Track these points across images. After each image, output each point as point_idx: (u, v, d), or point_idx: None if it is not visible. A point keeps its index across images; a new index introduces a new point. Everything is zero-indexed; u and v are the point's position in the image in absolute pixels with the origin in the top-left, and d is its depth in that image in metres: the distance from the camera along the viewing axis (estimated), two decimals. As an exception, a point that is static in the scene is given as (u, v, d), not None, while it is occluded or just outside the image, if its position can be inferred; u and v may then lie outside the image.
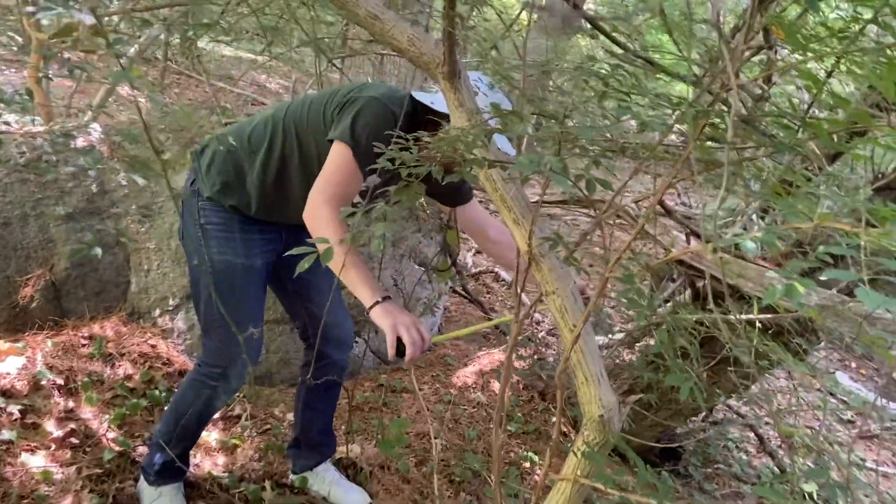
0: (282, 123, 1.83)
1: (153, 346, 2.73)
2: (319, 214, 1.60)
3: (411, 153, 1.28)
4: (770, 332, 2.19)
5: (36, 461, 2.10)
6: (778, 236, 1.11)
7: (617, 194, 1.48)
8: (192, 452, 2.32)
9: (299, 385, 2.23)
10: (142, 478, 2.07)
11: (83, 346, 2.65)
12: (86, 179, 2.91)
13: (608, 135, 1.19)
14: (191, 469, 2.24)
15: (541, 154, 0.98)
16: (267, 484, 2.23)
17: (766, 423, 3.38)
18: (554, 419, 2.96)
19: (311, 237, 2.05)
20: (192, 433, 2.04)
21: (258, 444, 2.44)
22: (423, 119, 1.72)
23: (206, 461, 2.33)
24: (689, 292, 2.67)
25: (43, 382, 2.40)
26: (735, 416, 3.18)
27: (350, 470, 2.38)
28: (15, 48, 4.14)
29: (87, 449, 2.22)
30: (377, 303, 1.56)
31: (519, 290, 1.55)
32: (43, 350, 2.55)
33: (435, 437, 2.63)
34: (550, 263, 1.45)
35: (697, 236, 2.51)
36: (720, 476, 3.01)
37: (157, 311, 2.84)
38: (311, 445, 2.26)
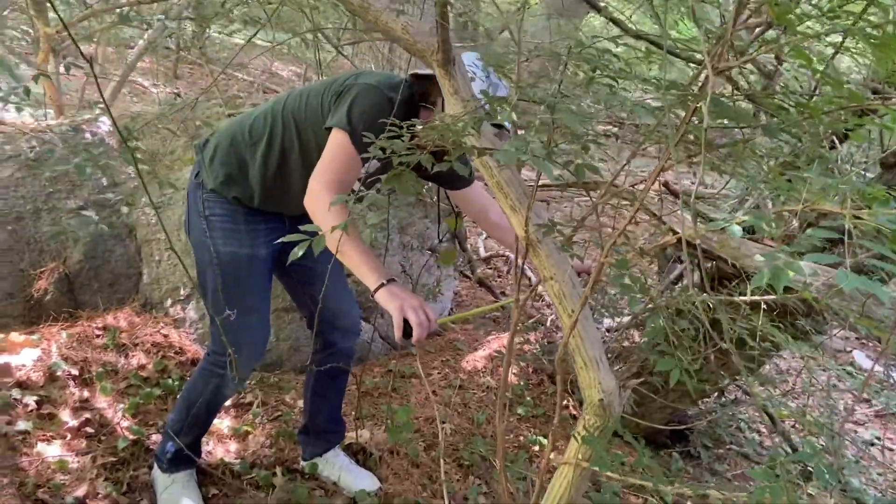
0: (280, 116, 1.84)
1: (165, 336, 2.77)
2: (319, 201, 1.61)
3: (403, 141, 1.28)
4: (775, 313, 2.18)
5: (52, 451, 2.15)
6: (770, 219, 1.10)
7: (615, 177, 1.48)
8: (204, 440, 2.36)
9: (307, 373, 2.26)
10: (155, 465, 2.11)
11: (97, 336, 2.70)
12: (96, 172, 2.94)
13: (598, 119, 1.19)
14: (203, 456, 2.27)
15: (525, 141, 0.98)
16: (278, 470, 2.27)
17: (779, 403, 3.37)
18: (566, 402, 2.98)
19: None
20: (203, 421, 2.07)
21: (269, 430, 2.47)
22: (419, 105, 1.72)
23: (219, 448, 2.37)
24: (697, 274, 2.66)
25: (58, 373, 2.44)
26: (746, 396, 3.17)
27: (360, 455, 2.41)
28: (26, 42, 4.17)
29: (102, 438, 2.26)
30: (382, 285, 1.56)
31: (519, 274, 1.56)
32: (58, 342, 2.59)
33: (442, 422, 2.66)
34: (548, 249, 1.45)
35: (708, 218, 2.49)
36: (731, 457, 3.01)
37: (169, 302, 2.88)
38: (320, 432, 2.29)
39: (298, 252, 1.21)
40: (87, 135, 3.04)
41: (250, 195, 1.89)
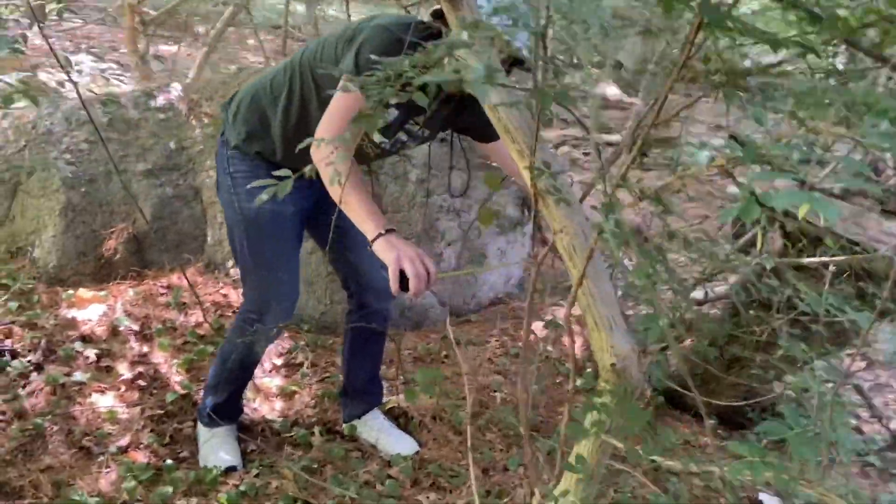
0: (299, 67, 1.78)
1: (224, 296, 2.83)
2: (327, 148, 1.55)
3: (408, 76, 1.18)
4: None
5: (105, 401, 2.23)
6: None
7: (640, 125, 1.31)
8: (250, 397, 2.39)
9: (344, 334, 2.22)
10: (198, 420, 2.15)
11: (161, 295, 2.79)
12: (164, 136, 3.03)
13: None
14: (246, 412, 2.30)
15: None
16: (317, 430, 2.25)
17: (879, 385, 3.03)
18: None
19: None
20: (238, 377, 2.08)
21: (316, 391, 2.47)
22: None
23: (265, 406, 2.39)
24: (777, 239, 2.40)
25: (120, 329, 2.54)
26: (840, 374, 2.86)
27: (401, 419, 2.36)
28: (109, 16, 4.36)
29: (154, 391, 2.33)
30: (380, 235, 1.51)
31: (535, 227, 1.44)
32: (124, 299, 2.70)
33: (494, 391, 2.56)
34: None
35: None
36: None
37: (230, 263, 2.93)
38: (358, 394, 2.25)
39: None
40: (160, 100, 3.13)
41: (272, 150, 1.85)
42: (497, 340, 2.93)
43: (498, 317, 3.11)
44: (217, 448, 2.07)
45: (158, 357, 2.49)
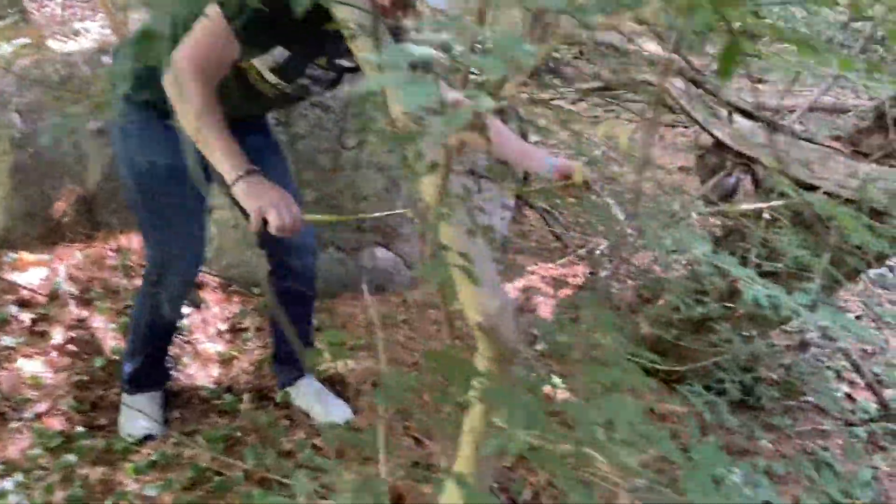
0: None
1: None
2: (179, 77, 1.41)
3: None
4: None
5: (32, 366, 2.16)
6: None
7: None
8: (187, 363, 2.30)
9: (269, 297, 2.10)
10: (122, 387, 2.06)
11: (110, 258, 2.70)
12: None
13: None
14: (180, 378, 2.21)
15: None
16: (245, 396, 2.15)
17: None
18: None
19: (251, 133, 1.87)
20: (152, 342, 1.97)
21: (258, 357, 2.36)
22: None
23: (201, 372, 2.29)
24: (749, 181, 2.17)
25: (59, 292, 2.46)
26: (825, 339, 2.64)
27: (339, 386, 2.23)
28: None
29: (85, 356, 2.25)
30: (240, 177, 1.38)
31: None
32: (70, 262, 2.62)
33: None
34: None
35: (745, 114, 1.99)
36: (805, 410, 2.52)
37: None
38: (290, 359, 2.13)
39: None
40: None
41: (163, 97, 1.71)
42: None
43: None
44: (136, 415, 1.98)
45: (97, 322, 2.40)
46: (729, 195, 2.35)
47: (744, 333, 2.21)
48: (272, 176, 1.55)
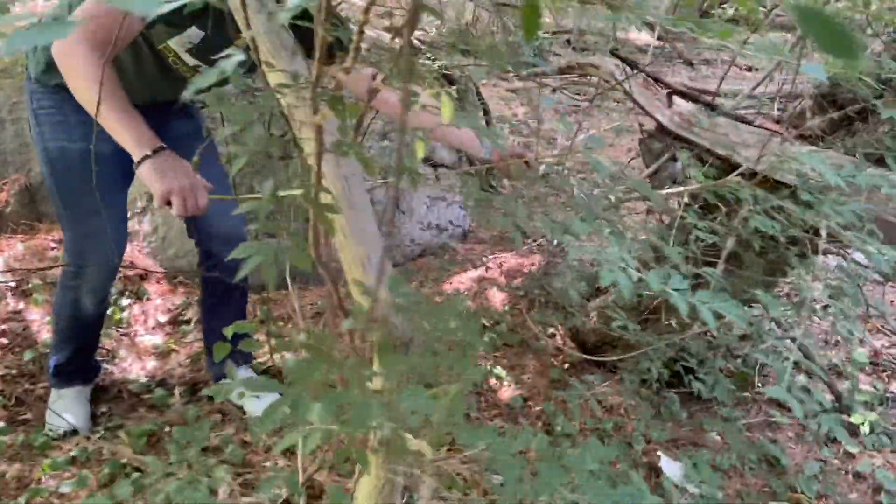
0: None
1: (117, 249, 2.66)
2: (70, 51, 1.35)
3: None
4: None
5: (-40, 360, 2.10)
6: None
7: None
8: (123, 356, 2.24)
9: (201, 288, 2.04)
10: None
11: (52, 249, 2.64)
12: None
13: None
14: (113, 371, 2.15)
15: None
16: (177, 390, 2.09)
17: (824, 341, 2.75)
18: (551, 331, 2.57)
19: (175, 118, 1.81)
20: (75, 336, 1.91)
21: (195, 349, 2.30)
22: None
23: (136, 365, 2.23)
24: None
25: (-2, 285, 2.41)
26: (776, 327, 2.58)
27: (277, 379, 2.17)
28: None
29: (16, 350, 2.19)
30: (146, 157, 1.32)
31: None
32: (9, 252, 2.56)
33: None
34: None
35: (685, 96, 1.93)
36: (758, 403, 2.47)
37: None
38: (221, 352, 2.07)
39: None
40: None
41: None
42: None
43: (421, 270, 2.90)
44: (62, 409, 1.92)
45: (33, 314, 2.35)
46: (675, 180, 2.29)
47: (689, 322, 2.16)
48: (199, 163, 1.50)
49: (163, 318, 2.44)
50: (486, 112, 3.70)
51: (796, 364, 2.64)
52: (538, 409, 2.19)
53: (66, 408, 1.93)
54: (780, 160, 1.24)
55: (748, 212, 1.19)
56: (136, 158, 1.35)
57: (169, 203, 1.35)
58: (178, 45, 1.60)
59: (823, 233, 1.12)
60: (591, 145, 1.28)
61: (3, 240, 2.65)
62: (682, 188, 1.40)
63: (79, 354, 1.96)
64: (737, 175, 1.27)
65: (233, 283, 1.95)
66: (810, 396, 2.48)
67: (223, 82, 1.81)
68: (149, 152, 1.34)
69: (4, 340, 2.20)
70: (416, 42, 2.78)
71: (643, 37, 8.60)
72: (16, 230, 2.70)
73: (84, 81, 1.34)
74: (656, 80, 1.98)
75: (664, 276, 0.91)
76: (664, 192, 1.45)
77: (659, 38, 8.54)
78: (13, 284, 2.43)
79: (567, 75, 2.56)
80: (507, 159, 1.81)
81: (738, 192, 1.18)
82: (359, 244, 1.13)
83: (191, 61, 1.63)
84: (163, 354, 2.28)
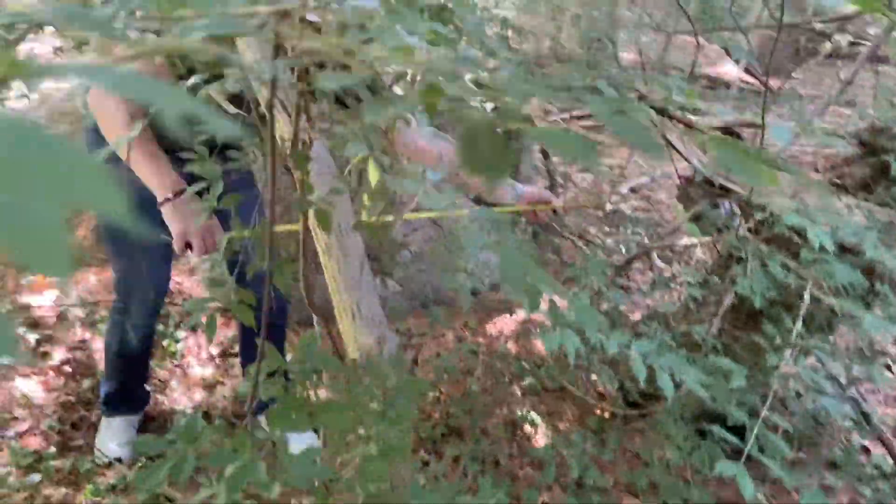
0: None
1: (178, 283, 2.82)
2: (103, 98, 1.46)
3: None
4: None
5: (27, 386, 2.27)
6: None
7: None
8: (175, 387, 2.36)
9: (238, 325, 2.13)
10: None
11: (121, 282, 2.82)
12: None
13: None
14: (162, 402, 2.27)
15: None
16: (217, 422, 2.17)
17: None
18: (593, 376, 2.51)
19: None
20: (123, 368, 2.04)
21: (240, 383, 2.40)
22: None
23: (185, 396, 2.35)
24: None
25: (68, 315, 2.59)
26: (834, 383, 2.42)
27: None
28: None
29: (78, 378, 2.35)
30: (167, 199, 1.43)
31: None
32: (82, 286, 2.75)
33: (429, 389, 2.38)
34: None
35: (729, 133, 1.88)
36: (815, 465, 2.32)
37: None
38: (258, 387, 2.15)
39: None
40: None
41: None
42: (455, 334, 2.74)
43: (464, 310, 2.91)
44: (108, 439, 2.05)
45: (98, 343, 2.51)
46: (720, 227, 2.22)
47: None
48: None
49: (214, 351, 2.55)
50: (545, 151, 3.70)
51: (854, 423, 2.48)
52: (571, 458, 2.15)
53: (114, 436, 2.05)
54: (797, 212, 1.19)
55: (744, 269, 1.15)
56: (159, 200, 1.45)
57: (188, 245, 1.44)
58: (218, 93, 1.70)
59: (806, 296, 1.07)
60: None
61: (79, 272, 2.85)
62: (696, 240, 1.36)
63: (126, 386, 2.08)
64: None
65: (272, 321, 2.03)
66: (868, 458, 2.32)
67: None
68: (170, 195, 1.43)
69: (68, 368, 2.36)
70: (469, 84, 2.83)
71: (730, 70, 8.39)
72: (91, 263, 2.90)
73: (115, 128, 1.45)
74: (688, 126, 1.93)
75: (626, 339, 0.89)
76: (659, 244, 1.41)
77: (746, 72, 8.31)
78: (83, 315, 2.60)
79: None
80: (535, 204, 1.82)
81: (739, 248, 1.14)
82: (348, 292, 1.17)
83: (231, 110, 1.73)
84: (210, 386, 2.38)
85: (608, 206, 4.05)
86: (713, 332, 1.39)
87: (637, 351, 0.91)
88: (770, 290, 1.11)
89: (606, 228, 3.33)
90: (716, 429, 2.13)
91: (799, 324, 1.13)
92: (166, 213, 1.45)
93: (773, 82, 8.12)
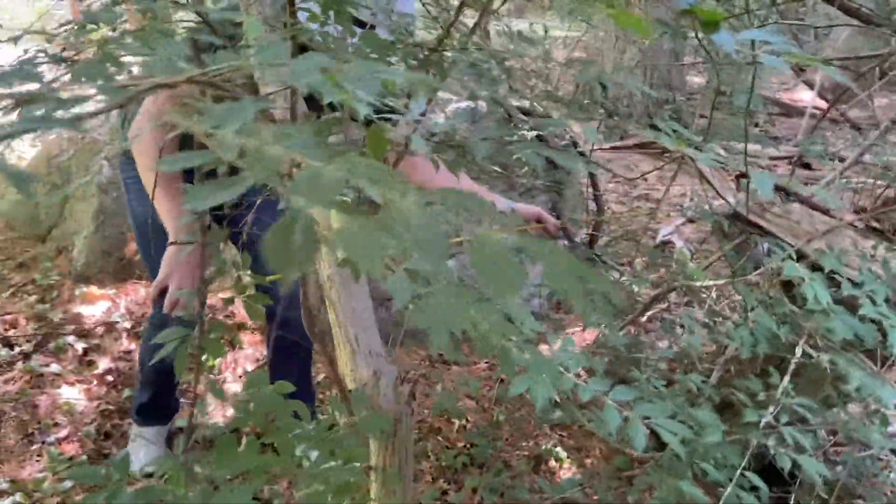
0: None
1: (219, 299, 2.89)
2: (140, 137, 1.53)
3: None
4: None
5: (71, 393, 2.37)
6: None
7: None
8: (210, 401, 2.42)
9: (267, 346, 2.17)
10: (133, 418, 2.21)
11: (168, 296, 2.92)
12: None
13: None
14: (197, 416, 2.33)
15: None
16: (245, 438, 2.22)
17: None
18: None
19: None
20: (156, 381, 2.10)
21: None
22: None
23: (218, 411, 2.40)
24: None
25: (115, 325, 2.70)
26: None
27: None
28: None
29: (120, 387, 2.44)
30: (172, 242, 1.48)
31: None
32: (131, 298, 2.87)
33: (455, 417, 2.37)
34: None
35: (744, 176, 1.81)
36: (857, 516, 2.20)
37: (237, 268, 3.00)
38: (286, 407, 2.18)
39: None
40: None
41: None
42: (487, 363, 2.72)
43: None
44: (139, 448, 2.12)
45: (141, 355, 2.60)
46: (758, 266, 2.14)
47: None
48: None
49: (250, 367, 2.61)
50: (593, 175, 3.65)
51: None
52: (595, 497, 2.10)
53: (142, 446, 2.12)
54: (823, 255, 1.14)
55: (743, 316, 1.11)
56: (171, 238, 1.50)
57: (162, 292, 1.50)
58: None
59: (798, 350, 1.02)
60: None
61: (129, 285, 2.98)
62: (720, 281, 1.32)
63: (160, 397, 2.14)
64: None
65: (297, 343, 2.07)
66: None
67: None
68: (175, 241, 1.49)
69: (111, 378, 2.46)
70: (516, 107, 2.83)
71: (805, 97, 8.10)
72: (141, 276, 3.02)
73: (144, 168, 1.52)
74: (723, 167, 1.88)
75: (603, 385, 0.87)
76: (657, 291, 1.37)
77: (820, 97, 8.01)
78: (129, 326, 2.71)
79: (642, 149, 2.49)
80: (530, 223, 1.79)
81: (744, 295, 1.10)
82: (347, 324, 1.18)
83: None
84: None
85: (658, 238, 3.97)
86: (712, 381, 1.33)
87: (613, 399, 0.89)
88: (760, 344, 1.06)
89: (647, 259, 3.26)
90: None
91: (786, 379, 1.08)
92: (167, 253, 1.51)
93: (853, 112, 7.80)
